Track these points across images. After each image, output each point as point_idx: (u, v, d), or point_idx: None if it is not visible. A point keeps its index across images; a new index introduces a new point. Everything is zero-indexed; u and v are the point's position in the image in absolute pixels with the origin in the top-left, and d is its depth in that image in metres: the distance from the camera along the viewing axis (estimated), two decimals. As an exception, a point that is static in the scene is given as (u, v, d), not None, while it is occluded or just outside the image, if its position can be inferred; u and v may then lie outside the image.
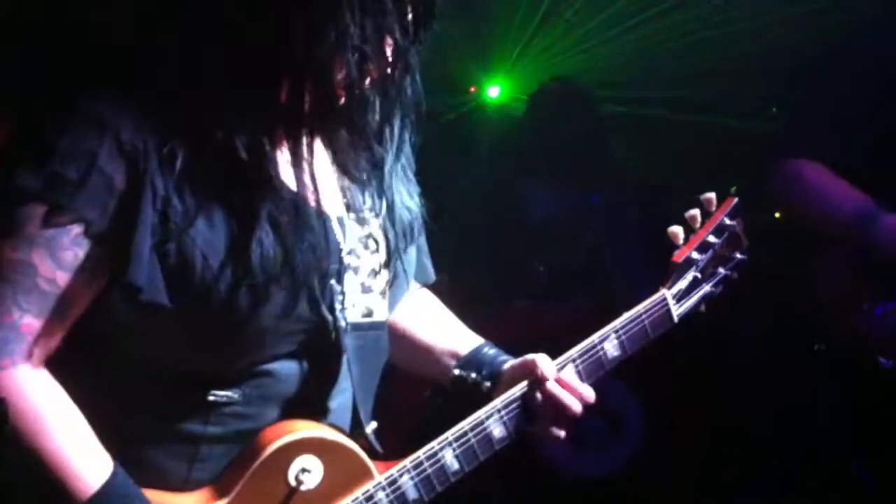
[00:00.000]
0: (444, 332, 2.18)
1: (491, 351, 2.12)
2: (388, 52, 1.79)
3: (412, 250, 2.04)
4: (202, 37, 1.74)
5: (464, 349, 2.13)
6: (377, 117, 1.87)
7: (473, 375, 2.07)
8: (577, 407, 2.01)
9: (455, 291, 4.71)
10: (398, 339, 2.11)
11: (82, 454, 1.71)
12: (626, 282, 5.10)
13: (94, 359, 1.78)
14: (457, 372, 2.09)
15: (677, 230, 2.16)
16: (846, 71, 3.33)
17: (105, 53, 1.77)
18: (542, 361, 2.02)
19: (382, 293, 1.93)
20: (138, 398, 1.79)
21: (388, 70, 1.81)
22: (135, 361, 1.78)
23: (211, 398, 1.79)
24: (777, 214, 4.89)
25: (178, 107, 1.72)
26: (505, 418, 1.99)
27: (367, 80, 1.79)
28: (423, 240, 2.12)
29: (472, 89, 6.06)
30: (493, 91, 5.92)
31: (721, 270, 2.23)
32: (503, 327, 4.24)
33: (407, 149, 2.01)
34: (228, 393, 1.79)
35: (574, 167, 5.33)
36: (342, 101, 1.80)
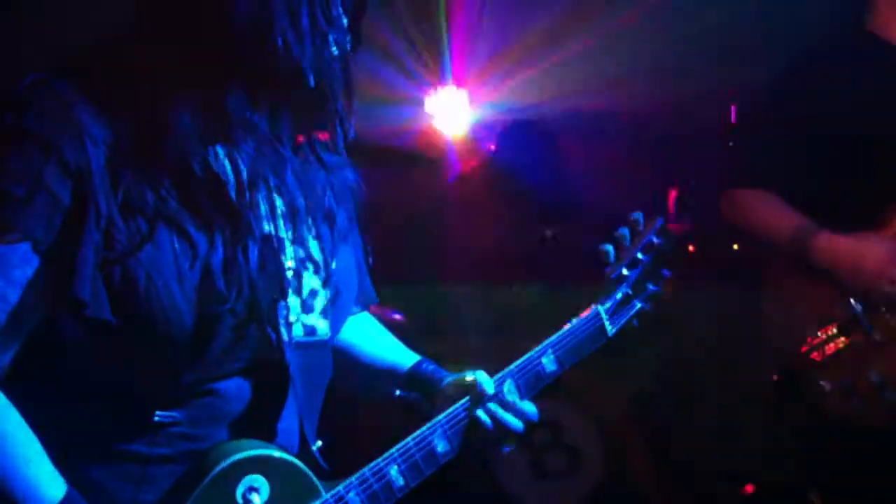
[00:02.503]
0: (382, 351, 2.23)
1: (430, 367, 2.17)
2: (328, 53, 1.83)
3: (353, 270, 2.06)
4: (146, 53, 1.75)
5: (402, 367, 2.18)
6: (311, 135, 1.93)
7: (414, 394, 2.13)
8: (518, 425, 2.07)
9: (410, 324, 4.77)
10: (338, 361, 2.12)
11: (35, 476, 1.69)
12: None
13: (44, 378, 1.78)
14: (398, 392, 2.15)
15: (608, 248, 2.25)
16: (793, 101, 3.41)
17: (48, 68, 1.76)
18: (481, 378, 2.06)
19: (323, 312, 1.95)
20: (85, 418, 1.79)
21: (323, 79, 1.83)
22: (82, 381, 1.78)
23: (156, 419, 1.78)
24: (735, 246, 4.95)
25: (125, 125, 1.73)
26: (448, 433, 2.02)
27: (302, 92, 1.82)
28: (363, 261, 2.15)
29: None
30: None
31: (650, 287, 2.32)
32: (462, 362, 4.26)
33: (347, 172, 2.05)
34: (174, 414, 1.79)
35: (537, 203, 5.39)
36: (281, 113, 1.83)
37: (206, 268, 1.74)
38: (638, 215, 2.30)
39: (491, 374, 2.09)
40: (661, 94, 5.46)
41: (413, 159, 5.81)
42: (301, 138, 1.93)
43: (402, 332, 4.82)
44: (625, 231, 2.28)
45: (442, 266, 5.35)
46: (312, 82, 1.78)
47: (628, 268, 2.27)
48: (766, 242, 3.43)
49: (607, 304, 2.24)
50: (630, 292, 2.27)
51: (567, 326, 2.18)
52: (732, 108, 4.88)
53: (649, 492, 4.99)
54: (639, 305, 2.30)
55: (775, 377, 3.42)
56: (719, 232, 3.84)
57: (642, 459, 5.04)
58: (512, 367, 2.10)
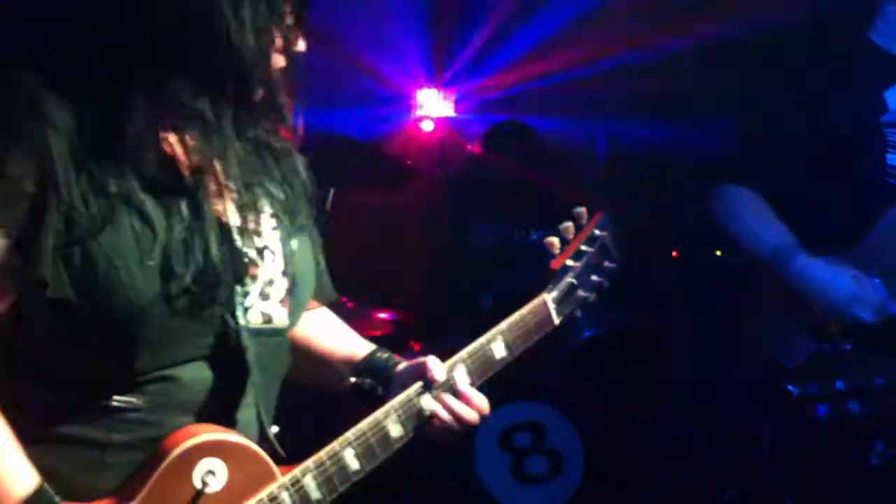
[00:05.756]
0: (338, 342, 2.26)
1: (384, 356, 2.22)
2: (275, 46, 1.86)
3: (310, 262, 2.08)
4: (100, 41, 1.77)
5: (357, 356, 2.22)
6: (264, 127, 1.96)
7: (368, 381, 2.17)
8: (471, 416, 2.12)
9: (395, 323, 4.78)
10: (296, 352, 2.15)
11: (8, 468, 1.71)
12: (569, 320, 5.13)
13: (8, 365, 1.78)
14: (353, 379, 2.18)
15: (554, 240, 2.34)
16: (781, 102, 3.44)
17: (10, 57, 1.78)
18: (432, 364, 2.10)
19: (281, 301, 1.96)
20: (43, 403, 1.79)
21: (272, 71, 1.87)
22: (39, 366, 1.78)
23: (113, 404, 1.79)
24: (718, 252, 4.96)
25: (84, 112, 1.74)
26: (402, 418, 2.05)
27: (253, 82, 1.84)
28: (322, 258, 2.18)
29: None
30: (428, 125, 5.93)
31: (594, 278, 2.40)
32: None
33: (300, 166, 2.08)
34: (131, 399, 1.80)
35: (522, 204, 5.41)
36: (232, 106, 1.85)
37: (165, 250, 1.75)
38: (581, 209, 2.39)
39: None
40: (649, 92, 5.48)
41: (398, 159, 5.82)
42: (253, 130, 1.96)
43: (388, 331, 4.83)
44: (569, 224, 2.36)
45: (426, 265, 5.37)
46: (253, 75, 1.82)
47: (573, 258, 2.35)
48: (742, 245, 3.44)
49: (554, 294, 2.31)
50: (574, 283, 2.35)
51: (516, 314, 2.24)
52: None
53: (630, 495, 4.99)
54: (584, 295, 2.37)
55: (754, 382, 3.44)
56: (703, 236, 3.84)
57: (623, 463, 5.04)
58: (462, 352, 2.15)
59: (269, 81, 1.86)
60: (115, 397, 1.79)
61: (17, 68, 1.73)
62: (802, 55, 3.52)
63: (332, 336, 2.28)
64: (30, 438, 1.75)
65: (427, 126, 6.10)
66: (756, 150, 3.49)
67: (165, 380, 1.81)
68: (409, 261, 5.12)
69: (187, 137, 1.84)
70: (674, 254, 5.53)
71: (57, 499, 1.73)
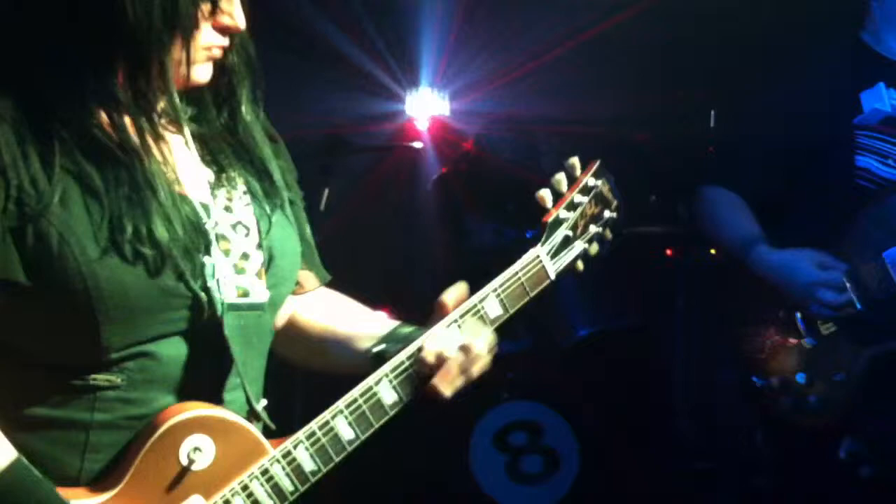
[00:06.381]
0: (358, 321, 2.20)
1: (408, 329, 2.13)
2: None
3: (291, 238, 2.05)
4: (46, 17, 1.76)
5: (380, 332, 2.14)
6: (234, 103, 1.98)
7: (391, 349, 2.07)
8: (480, 346, 2.04)
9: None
10: (317, 341, 2.14)
11: None
12: (560, 315, 5.14)
13: None
14: (375, 349, 2.10)
15: (545, 193, 2.23)
16: (764, 105, 3.47)
17: None
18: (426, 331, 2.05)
19: (258, 274, 1.94)
20: (23, 387, 1.77)
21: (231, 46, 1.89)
22: (12, 349, 1.77)
23: (91, 383, 1.77)
24: (713, 251, 4.97)
25: (29, 91, 1.74)
26: (394, 383, 2.00)
27: (213, 55, 1.86)
28: (310, 236, 2.15)
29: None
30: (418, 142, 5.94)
31: (592, 228, 2.31)
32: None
33: (279, 150, 2.09)
34: (109, 377, 1.78)
35: (514, 203, 5.41)
36: (196, 79, 1.86)
37: (117, 223, 1.74)
38: (573, 160, 2.29)
39: None
40: (640, 97, 5.49)
41: (391, 160, 5.83)
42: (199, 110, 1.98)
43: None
44: (561, 176, 2.27)
45: (423, 264, 5.36)
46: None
47: (567, 209, 2.26)
48: (717, 242, 3.49)
49: (547, 247, 2.22)
50: (570, 234, 2.26)
51: (508, 270, 2.16)
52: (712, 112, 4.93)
53: (625, 494, 4.98)
54: (582, 246, 2.28)
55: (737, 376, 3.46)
56: (697, 235, 3.86)
57: (618, 462, 5.03)
58: (455, 312, 2.08)
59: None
60: (93, 376, 1.77)
61: None
62: (784, 53, 3.55)
63: (348, 316, 2.22)
64: (11, 424, 1.73)
65: (421, 125, 6.10)
66: (734, 151, 3.54)
67: (142, 356, 1.79)
68: (404, 259, 5.12)
69: (115, 116, 1.81)
70: (668, 252, 5.52)
71: (35, 473, 1.70)
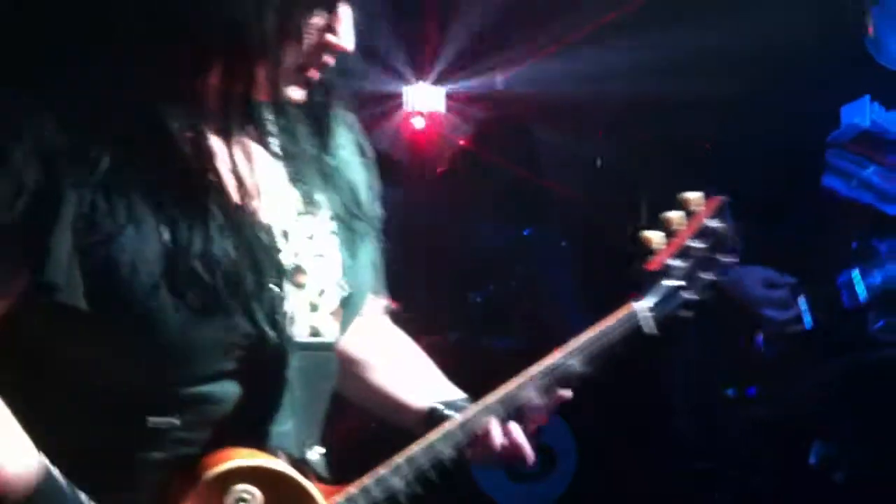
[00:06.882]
0: (414, 377, 2.07)
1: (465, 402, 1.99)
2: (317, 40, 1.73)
3: (369, 268, 1.94)
4: (122, 29, 1.67)
5: (420, 406, 2.01)
6: (323, 115, 1.84)
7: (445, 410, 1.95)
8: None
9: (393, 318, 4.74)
10: (353, 370, 2.03)
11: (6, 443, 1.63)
12: (559, 317, 5.15)
13: (26, 379, 1.69)
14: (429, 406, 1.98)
15: (652, 235, 1.96)
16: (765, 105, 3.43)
17: (23, 51, 1.69)
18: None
19: (333, 313, 1.83)
20: (74, 424, 1.70)
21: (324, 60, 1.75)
22: (67, 383, 1.69)
23: (150, 425, 1.70)
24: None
25: (107, 106, 1.65)
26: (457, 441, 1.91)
27: (306, 70, 1.74)
28: (379, 263, 2.01)
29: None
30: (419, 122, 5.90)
31: (704, 276, 2.00)
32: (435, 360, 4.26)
33: (365, 169, 1.96)
34: (169, 419, 1.70)
35: (513, 201, 5.40)
36: (287, 94, 1.74)
37: (191, 258, 1.65)
38: (692, 195, 1.99)
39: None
40: (641, 93, 5.47)
41: (388, 155, 5.79)
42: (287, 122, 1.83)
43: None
44: (675, 215, 1.97)
45: (419, 263, 5.33)
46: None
47: (679, 258, 1.96)
48: None
49: (648, 303, 1.96)
50: (678, 286, 1.97)
51: (599, 327, 1.94)
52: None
53: (622, 493, 5.00)
54: (688, 298, 1.98)
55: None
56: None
57: (615, 460, 5.05)
58: (533, 369, 1.92)
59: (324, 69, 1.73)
60: (152, 418, 1.70)
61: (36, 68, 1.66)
62: (780, 63, 3.52)
63: (405, 369, 2.07)
64: (65, 457, 1.66)
65: (418, 122, 6.06)
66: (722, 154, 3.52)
67: (202, 395, 1.71)
68: (401, 258, 5.08)
69: (199, 127, 1.71)
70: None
71: (64, 484, 1.64)
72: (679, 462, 5.14)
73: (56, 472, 1.64)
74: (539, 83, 5.73)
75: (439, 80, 6.11)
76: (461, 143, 5.67)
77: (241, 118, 1.74)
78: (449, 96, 6.10)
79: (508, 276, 5.26)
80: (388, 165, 5.44)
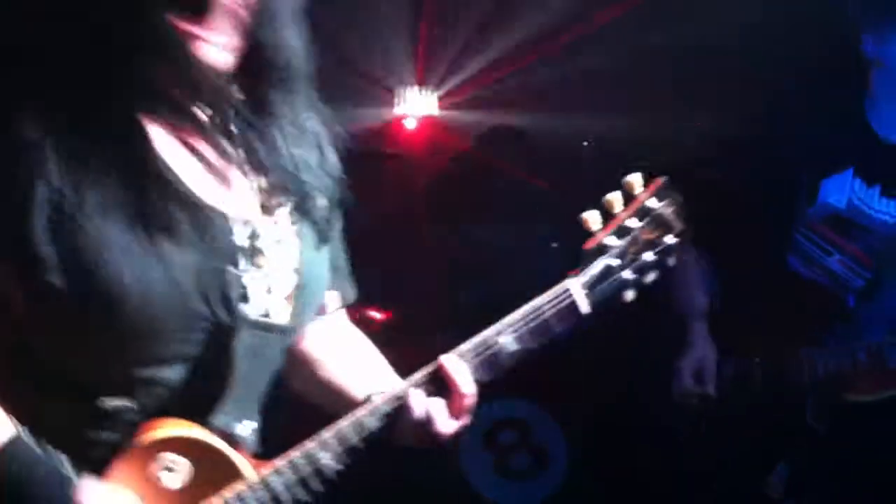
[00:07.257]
0: (363, 374, 2.09)
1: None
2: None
3: (324, 260, 1.98)
4: (81, 26, 1.74)
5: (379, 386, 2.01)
6: (284, 109, 1.89)
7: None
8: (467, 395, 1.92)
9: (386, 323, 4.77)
10: (309, 370, 2.08)
11: None
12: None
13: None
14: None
15: (591, 215, 1.99)
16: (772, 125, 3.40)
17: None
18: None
19: (287, 297, 1.88)
20: (35, 405, 1.75)
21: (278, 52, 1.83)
22: (25, 362, 1.75)
23: (105, 405, 1.75)
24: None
25: (71, 100, 1.72)
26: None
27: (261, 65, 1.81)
28: (342, 256, 2.08)
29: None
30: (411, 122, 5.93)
31: (648, 256, 2.02)
32: (425, 361, 4.28)
33: (328, 153, 2.00)
34: (124, 401, 1.76)
35: (514, 206, 5.43)
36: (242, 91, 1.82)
37: (151, 237, 1.71)
38: (633, 176, 2.01)
39: None
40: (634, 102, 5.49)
41: (383, 159, 5.82)
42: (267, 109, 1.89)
43: (379, 330, 4.84)
44: (615, 196, 2.00)
45: (416, 264, 5.36)
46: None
47: (615, 236, 1.99)
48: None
49: (583, 279, 1.97)
50: (614, 264, 1.99)
51: (532, 303, 1.94)
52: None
53: (613, 492, 4.99)
54: (628, 277, 2.01)
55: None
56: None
57: (607, 460, 5.04)
58: (463, 346, 1.93)
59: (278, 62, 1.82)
60: (106, 400, 1.75)
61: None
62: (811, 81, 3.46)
63: (355, 364, 2.10)
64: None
65: (410, 124, 6.08)
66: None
67: (155, 378, 1.76)
68: (397, 259, 5.10)
69: (156, 125, 1.79)
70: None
71: (37, 450, 1.69)
72: (678, 462, 5.12)
73: (29, 442, 1.69)
74: (531, 87, 5.74)
75: (432, 84, 6.14)
76: (453, 145, 5.70)
77: (192, 103, 1.80)
78: (441, 99, 6.12)
79: (500, 276, 5.26)
80: (379, 168, 5.51)
